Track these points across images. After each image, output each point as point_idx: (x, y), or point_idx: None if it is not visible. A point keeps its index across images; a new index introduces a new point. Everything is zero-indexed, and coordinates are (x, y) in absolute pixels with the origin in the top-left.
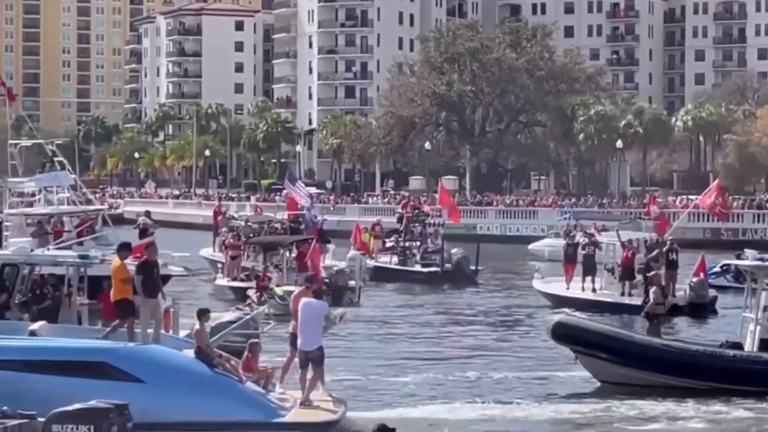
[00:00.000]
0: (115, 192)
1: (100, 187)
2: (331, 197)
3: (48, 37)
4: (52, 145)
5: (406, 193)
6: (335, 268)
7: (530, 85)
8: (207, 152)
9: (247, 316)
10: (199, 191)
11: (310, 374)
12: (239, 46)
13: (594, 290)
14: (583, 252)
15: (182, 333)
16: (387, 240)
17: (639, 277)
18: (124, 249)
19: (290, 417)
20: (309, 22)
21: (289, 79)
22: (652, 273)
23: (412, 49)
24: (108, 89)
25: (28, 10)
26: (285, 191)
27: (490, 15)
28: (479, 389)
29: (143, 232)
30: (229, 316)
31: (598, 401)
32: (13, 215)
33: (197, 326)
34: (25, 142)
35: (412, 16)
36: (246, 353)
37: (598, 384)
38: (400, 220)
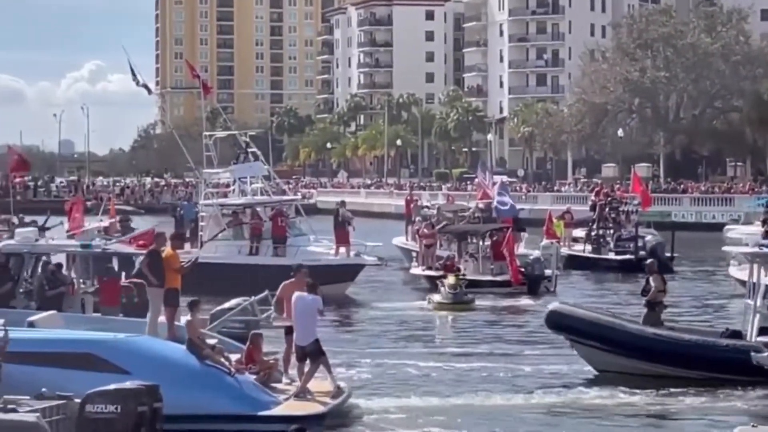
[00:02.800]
0: (308, 182)
1: (294, 177)
2: (523, 186)
3: (241, 29)
4: (246, 137)
5: (599, 181)
6: (531, 257)
7: (725, 70)
8: (398, 142)
9: (246, 302)
10: (391, 181)
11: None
12: (430, 36)
13: None
14: None
15: None
16: (579, 228)
17: None
18: (177, 239)
19: (278, 410)
20: (500, 10)
21: (479, 68)
22: (649, 261)
23: (604, 36)
24: (300, 80)
25: (222, 3)
26: (476, 180)
27: (684, 0)
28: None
29: (340, 223)
30: (228, 302)
31: (594, 390)
32: (208, 206)
33: (188, 317)
34: (220, 134)
35: (604, 3)
36: (248, 344)
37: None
38: (593, 208)
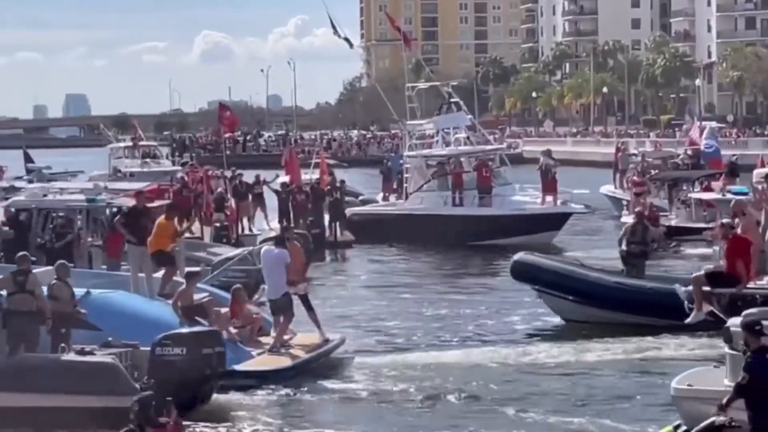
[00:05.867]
0: (513, 132)
1: (499, 127)
2: (733, 131)
3: None
4: (449, 87)
5: None
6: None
7: None
8: (604, 89)
9: (245, 251)
10: (597, 129)
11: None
12: None
13: None
14: None
15: None
16: None
17: None
18: (172, 209)
19: (245, 365)
20: None
21: (686, 13)
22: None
23: None
24: (504, 30)
25: None
26: (684, 126)
27: None
28: None
29: (546, 172)
30: (229, 252)
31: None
32: (413, 157)
33: (183, 287)
34: (422, 85)
35: None
36: (231, 299)
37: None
38: None
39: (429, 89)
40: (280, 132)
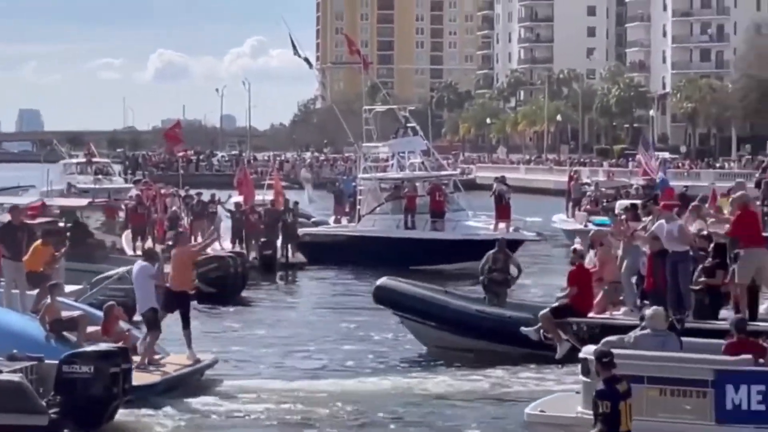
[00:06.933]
0: (467, 157)
1: (453, 152)
2: (686, 162)
3: (402, 4)
4: (405, 111)
5: (765, 158)
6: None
7: None
8: (558, 117)
9: (124, 270)
10: (551, 157)
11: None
12: (591, 10)
13: None
14: None
15: None
16: None
17: None
18: (48, 235)
19: None
20: None
21: (642, 43)
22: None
23: None
24: (460, 56)
25: None
26: (638, 156)
27: None
28: None
29: (499, 198)
30: (110, 271)
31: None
32: (367, 180)
33: (48, 300)
34: (379, 108)
35: None
36: (103, 317)
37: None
38: (758, 185)
39: (384, 112)
40: (233, 152)
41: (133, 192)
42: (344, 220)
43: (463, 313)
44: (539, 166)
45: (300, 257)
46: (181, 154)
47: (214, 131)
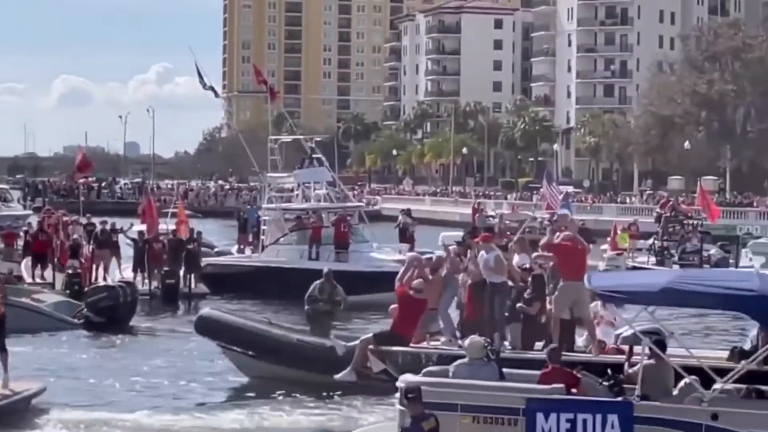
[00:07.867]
0: (373, 189)
1: (359, 183)
2: (589, 196)
3: (309, 34)
4: (312, 142)
5: (665, 194)
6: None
7: None
8: (464, 150)
9: None
10: (456, 189)
11: None
12: (498, 44)
13: None
14: None
15: None
16: (642, 240)
17: None
18: None
19: None
20: (568, 20)
21: (547, 78)
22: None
23: (672, 48)
24: (368, 87)
25: (290, 8)
26: (542, 190)
27: (753, 13)
28: None
29: (404, 230)
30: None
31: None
32: (271, 210)
33: None
34: (285, 138)
35: (673, 14)
36: None
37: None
38: (658, 220)
39: (290, 142)
40: (136, 180)
41: (33, 219)
42: (248, 250)
43: (283, 343)
44: (445, 198)
45: (202, 287)
46: (82, 181)
47: (117, 158)
